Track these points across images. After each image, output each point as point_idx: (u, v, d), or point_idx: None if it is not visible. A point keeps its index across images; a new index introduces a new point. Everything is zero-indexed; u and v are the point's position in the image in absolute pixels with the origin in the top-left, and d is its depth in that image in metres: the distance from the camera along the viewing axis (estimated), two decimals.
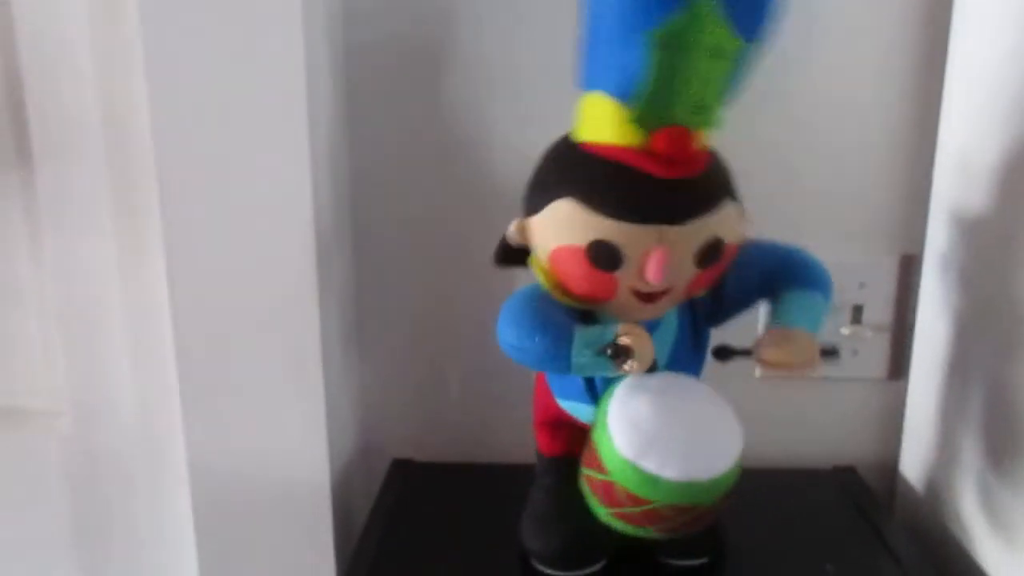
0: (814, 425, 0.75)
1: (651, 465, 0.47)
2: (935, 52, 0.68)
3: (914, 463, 0.71)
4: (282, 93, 0.61)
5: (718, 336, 0.56)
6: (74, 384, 0.75)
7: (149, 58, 0.61)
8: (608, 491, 0.49)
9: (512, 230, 0.51)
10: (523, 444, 0.61)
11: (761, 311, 0.64)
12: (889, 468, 0.75)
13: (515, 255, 0.52)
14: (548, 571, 0.56)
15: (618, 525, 0.51)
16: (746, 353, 0.53)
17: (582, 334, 0.48)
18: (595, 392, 0.53)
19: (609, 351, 0.47)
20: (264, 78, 0.61)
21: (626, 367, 0.47)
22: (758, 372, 0.72)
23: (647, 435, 0.47)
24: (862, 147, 0.70)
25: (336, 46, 0.69)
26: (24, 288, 0.75)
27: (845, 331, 0.72)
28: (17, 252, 0.74)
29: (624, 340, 0.47)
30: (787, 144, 0.70)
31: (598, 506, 0.51)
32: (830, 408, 0.74)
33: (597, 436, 0.50)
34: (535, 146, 0.51)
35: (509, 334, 0.49)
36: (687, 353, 0.54)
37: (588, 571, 0.56)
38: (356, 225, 0.73)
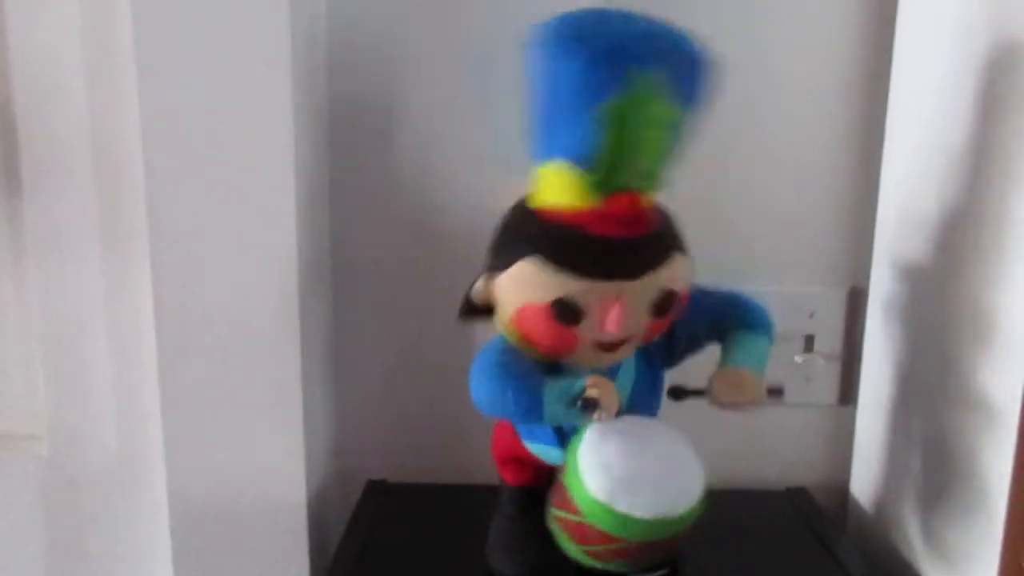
0: (768, 448, 0.77)
1: (623, 506, 0.49)
2: (876, 104, 0.72)
3: (863, 484, 0.74)
4: (270, 132, 0.63)
5: (672, 377, 0.58)
6: (54, 409, 0.75)
7: (143, 92, 0.63)
8: (580, 531, 0.51)
9: (477, 288, 0.53)
10: (492, 466, 0.62)
11: (714, 352, 0.68)
12: (840, 489, 0.77)
13: (479, 310, 0.54)
14: None
15: (588, 562, 0.52)
16: (698, 393, 0.56)
17: (551, 388, 0.50)
18: (564, 436, 0.55)
19: (579, 404, 0.49)
20: (253, 117, 0.63)
21: (595, 416, 0.49)
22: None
23: (618, 478, 0.49)
24: (813, 190, 0.74)
25: (320, 96, 0.71)
26: (7, 313, 0.75)
27: (798, 359, 0.75)
28: (1, 279, 0.74)
29: (592, 392, 0.49)
30: (744, 189, 0.74)
31: (569, 544, 0.52)
32: (784, 432, 0.77)
33: (569, 480, 0.51)
34: (499, 201, 0.53)
35: (482, 391, 0.51)
36: (645, 394, 0.56)
37: None
38: (335, 259, 0.75)
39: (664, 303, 0.51)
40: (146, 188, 0.65)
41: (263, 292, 0.66)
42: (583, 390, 0.49)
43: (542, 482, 0.56)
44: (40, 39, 0.69)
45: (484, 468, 0.65)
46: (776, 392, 0.55)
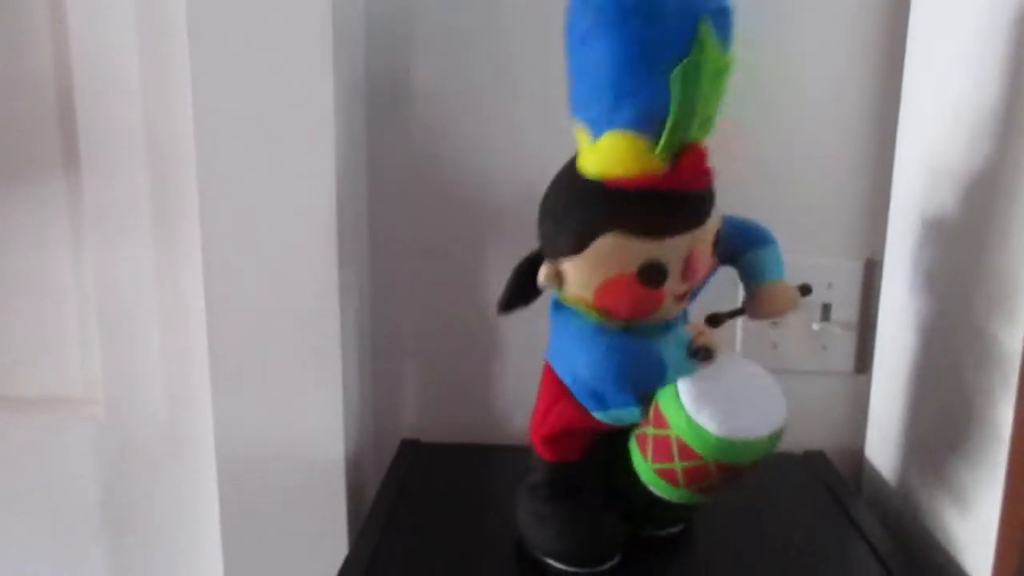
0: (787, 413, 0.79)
1: (704, 419, 0.49)
2: (892, 78, 0.73)
3: (878, 448, 0.75)
4: (312, 116, 0.67)
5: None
6: (109, 374, 0.79)
7: (194, 76, 0.66)
8: (662, 445, 0.51)
9: (544, 278, 0.51)
10: (523, 427, 0.63)
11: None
12: (855, 453, 0.79)
13: (520, 300, 0.54)
14: (572, 569, 0.57)
15: (656, 483, 0.52)
16: (735, 313, 0.57)
17: (666, 346, 0.50)
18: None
19: (698, 354, 0.51)
20: (297, 104, 0.67)
21: (706, 363, 0.51)
22: (740, 337, 0.77)
23: (709, 395, 0.50)
24: (830, 164, 0.76)
25: (358, 74, 0.74)
26: (66, 286, 0.79)
27: (816, 327, 0.77)
28: (61, 253, 0.78)
29: (706, 340, 0.51)
30: (763, 164, 0.75)
31: (642, 461, 0.53)
32: (802, 398, 0.78)
33: (663, 395, 0.51)
34: (530, 174, 0.52)
35: (607, 370, 0.50)
36: None
37: (608, 566, 0.57)
38: (373, 227, 0.78)
39: (716, 240, 0.52)
40: (197, 167, 0.68)
41: (304, 264, 0.69)
42: (692, 340, 0.51)
43: (584, 456, 0.57)
44: (99, 30, 0.72)
45: (513, 429, 0.67)
46: (806, 290, 0.58)
